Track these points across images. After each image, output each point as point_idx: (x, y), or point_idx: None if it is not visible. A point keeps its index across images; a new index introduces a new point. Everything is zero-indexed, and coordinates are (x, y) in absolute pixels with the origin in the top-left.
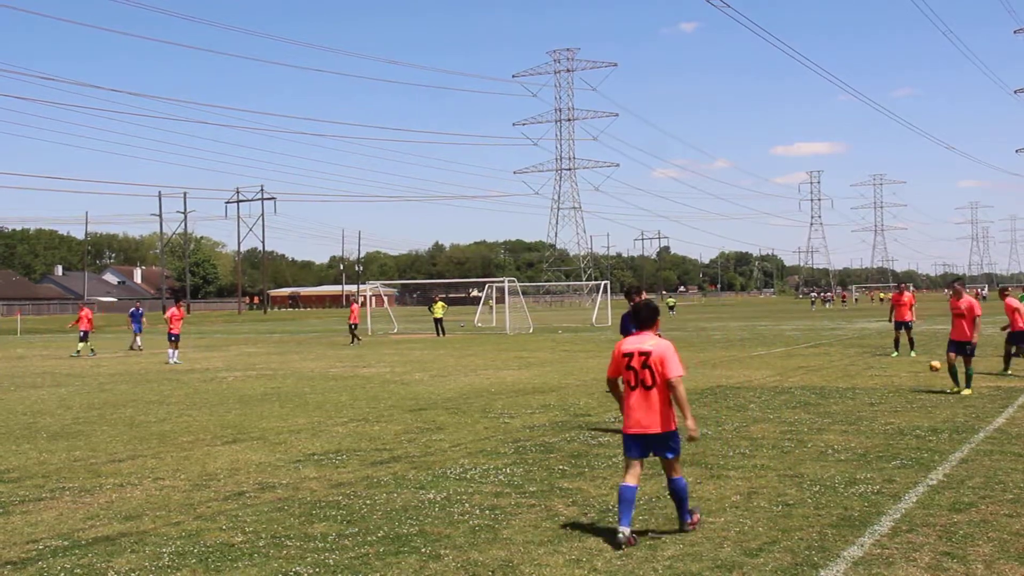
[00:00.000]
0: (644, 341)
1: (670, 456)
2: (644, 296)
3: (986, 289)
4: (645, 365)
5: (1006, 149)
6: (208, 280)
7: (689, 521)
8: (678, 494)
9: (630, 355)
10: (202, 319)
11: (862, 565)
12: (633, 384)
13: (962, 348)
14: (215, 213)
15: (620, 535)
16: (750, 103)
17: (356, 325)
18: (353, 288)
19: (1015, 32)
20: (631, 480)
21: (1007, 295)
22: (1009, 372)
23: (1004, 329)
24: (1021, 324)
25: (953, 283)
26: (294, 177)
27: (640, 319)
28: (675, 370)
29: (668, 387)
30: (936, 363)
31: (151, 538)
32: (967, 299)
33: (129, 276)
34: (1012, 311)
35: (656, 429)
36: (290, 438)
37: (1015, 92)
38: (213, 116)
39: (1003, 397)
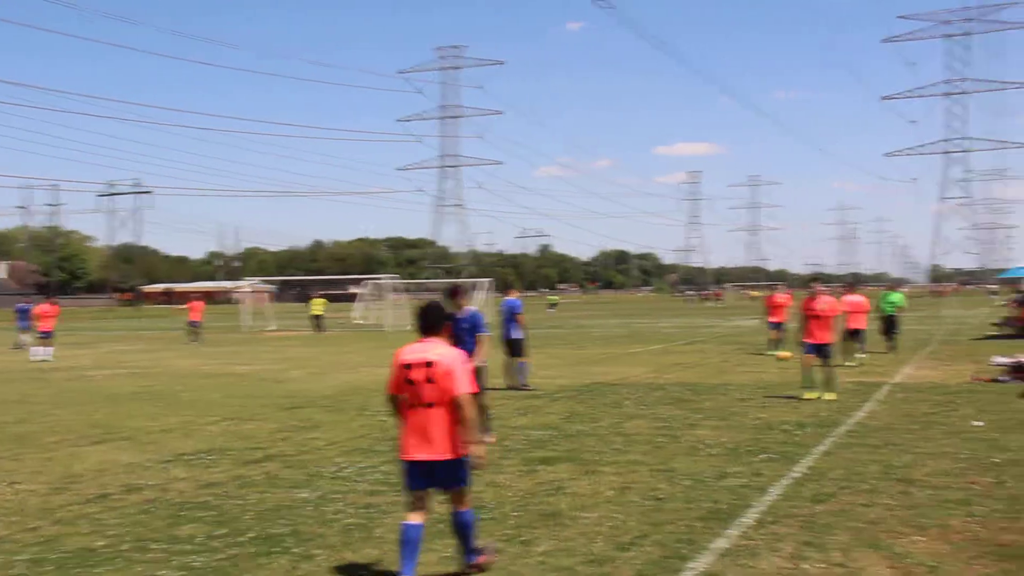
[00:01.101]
0: (428, 350)
1: (458, 487)
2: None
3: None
4: (429, 379)
5: (875, 153)
6: (77, 275)
7: (474, 561)
8: (463, 528)
9: (410, 367)
10: (71, 315)
11: (728, 556)
12: (413, 402)
13: (822, 351)
14: (86, 206)
15: None
16: (634, 103)
17: (197, 323)
18: (230, 284)
19: (882, 41)
20: (416, 517)
21: (849, 295)
22: (849, 364)
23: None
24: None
25: (810, 282)
26: (170, 171)
27: (426, 323)
28: (463, 386)
29: (455, 406)
30: (782, 354)
31: (4, 545)
32: (825, 299)
33: None
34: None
35: (441, 455)
36: (160, 437)
37: (882, 99)
38: (85, 106)
39: (863, 392)
